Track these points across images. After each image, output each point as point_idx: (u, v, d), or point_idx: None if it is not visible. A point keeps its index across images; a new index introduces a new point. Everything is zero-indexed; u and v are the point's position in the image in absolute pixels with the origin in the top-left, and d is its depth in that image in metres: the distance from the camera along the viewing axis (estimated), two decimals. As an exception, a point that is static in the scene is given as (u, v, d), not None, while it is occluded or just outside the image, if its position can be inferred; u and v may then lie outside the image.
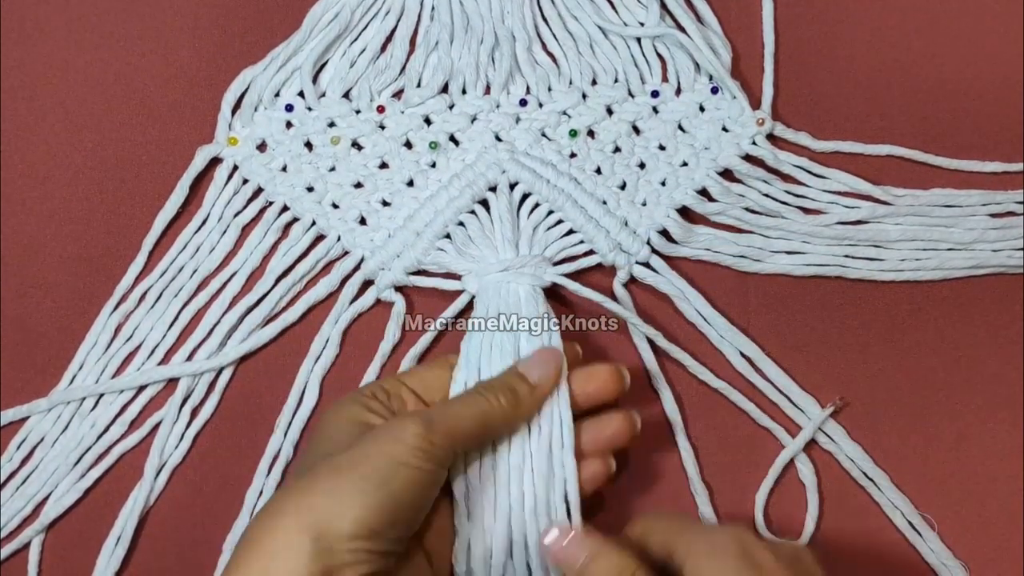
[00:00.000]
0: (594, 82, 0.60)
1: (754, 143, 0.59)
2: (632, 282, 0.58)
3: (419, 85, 0.60)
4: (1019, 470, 0.56)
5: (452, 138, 0.59)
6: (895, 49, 0.62)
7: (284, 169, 0.59)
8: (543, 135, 0.59)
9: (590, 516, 0.51)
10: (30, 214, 0.59)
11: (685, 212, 0.59)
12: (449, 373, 0.52)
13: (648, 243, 0.58)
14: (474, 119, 0.59)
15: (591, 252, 0.57)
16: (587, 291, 0.56)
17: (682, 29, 0.60)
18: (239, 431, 0.56)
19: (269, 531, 0.43)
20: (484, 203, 0.58)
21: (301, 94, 0.60)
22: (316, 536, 0.43)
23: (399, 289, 0.57)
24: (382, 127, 0.59)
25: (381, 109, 0.59)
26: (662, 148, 0.59)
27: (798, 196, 0.59)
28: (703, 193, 0.59)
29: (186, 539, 0.55)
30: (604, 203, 0.58)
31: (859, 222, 0.58)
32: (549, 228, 0.58)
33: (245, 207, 0.58)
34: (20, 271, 0.58)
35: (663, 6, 0.61)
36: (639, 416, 0.52)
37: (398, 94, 0.60)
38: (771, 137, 0.60)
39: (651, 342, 0.56)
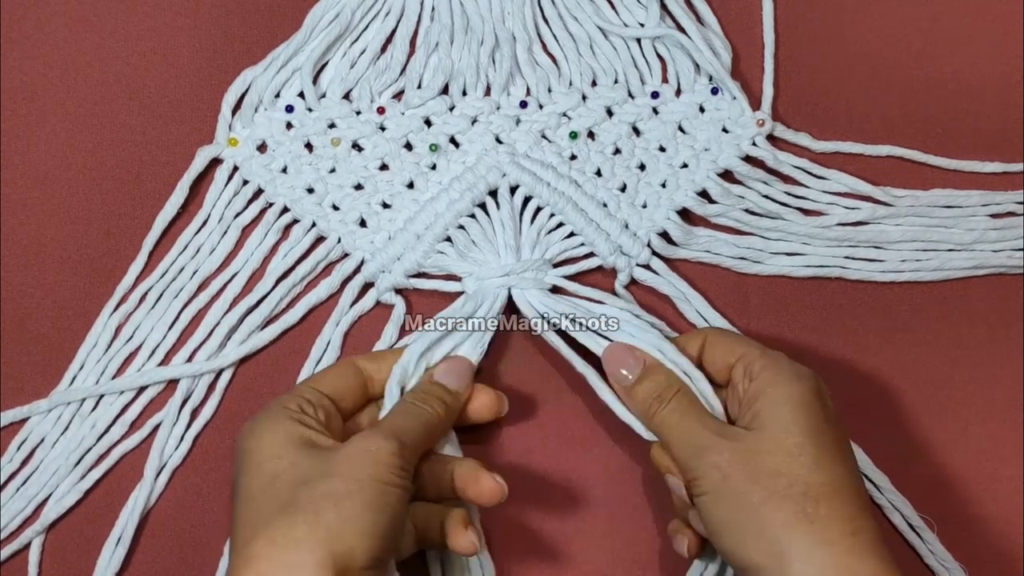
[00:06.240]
0: (594, 83, 0.60)
1: (754, 144, 0.59)
2: (633, 284, 0.58)
3: (419, 86, 0.60)
4: (1019, 470, 0.56)
5: (452, 140, 0.59)
6: (895, 49, 0.62)
7: (284, 170, 0.59)
8: (543, 137, 0.59)
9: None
10: (30, 214, 0.59)
11: (685, 214, 0.59)
12: (354, 375, 0.52)
13: (648, 245, 0.58)
14: (474, 121, 0.59)
15: (592, 254, 0.57)
16: (588, 290, 0.56)
17: (682, 30, 0.60)
18: (239, 432, 0.56)
19: (287, 568, 0.42)
20: (483, 205, 0.58)
21: (301, 95, 0.59)
22: (339, 572, 0.42)
23: (399, 291, 0.57)
24: (382, 128, 0.59)
25: (381, 110, 0.59)
26: (662, 149, 0.59)
27: (798, 197, 0.59)
28: (703, 195, 0.59)
29: (186, 540, 0.55)
30: (604, 205, 0.58)
31: (859, 223, 0.58)
32: (550, 231, 0.58)
33: (245, 208, 0.58)
34: (20, 271, 0.58)
35: (663, 6, 0.61)
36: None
37: (398, 95, 0.60)
38: (771, 138, 0.60)
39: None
